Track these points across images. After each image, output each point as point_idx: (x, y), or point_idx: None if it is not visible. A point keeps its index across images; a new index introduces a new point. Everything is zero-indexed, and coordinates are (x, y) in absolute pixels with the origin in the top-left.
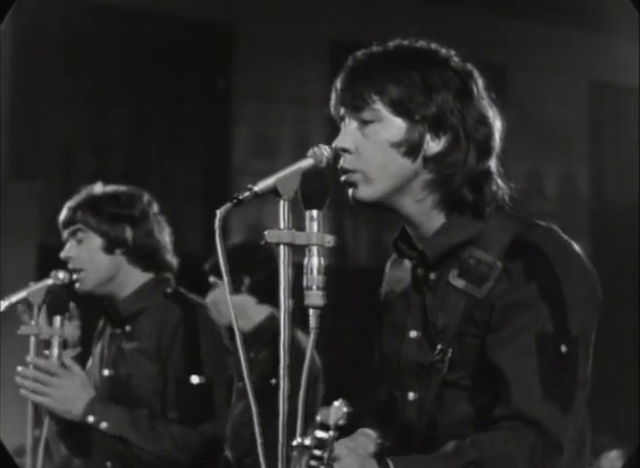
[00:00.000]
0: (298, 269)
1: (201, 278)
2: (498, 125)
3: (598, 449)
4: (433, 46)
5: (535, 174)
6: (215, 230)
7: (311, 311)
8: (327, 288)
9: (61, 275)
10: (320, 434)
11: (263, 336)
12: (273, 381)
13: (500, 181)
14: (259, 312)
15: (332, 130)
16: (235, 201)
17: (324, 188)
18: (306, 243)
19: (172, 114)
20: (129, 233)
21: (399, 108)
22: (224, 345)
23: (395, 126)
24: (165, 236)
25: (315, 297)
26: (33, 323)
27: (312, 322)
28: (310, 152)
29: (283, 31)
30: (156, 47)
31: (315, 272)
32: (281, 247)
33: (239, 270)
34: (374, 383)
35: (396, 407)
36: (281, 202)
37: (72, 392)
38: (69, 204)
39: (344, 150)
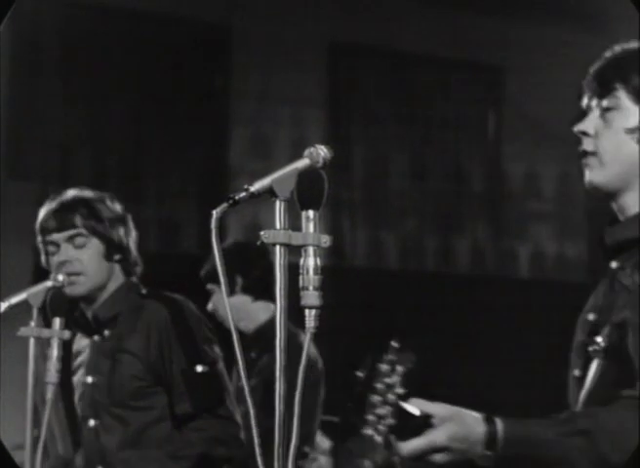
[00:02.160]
0: (294, 269)
1: (197, 277)
2: None
3: None
4: None
5: (532, 174)
6: (211, 230)
7: (307, 311)
8: (324, 288)
9: (61, 277)
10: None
11: (265, 337)
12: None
13: None
14: (261, 312)
15: (330, 131)
16: (231, 201)
17: (320, 188)
18: (303, 243)
19: (169, 115)
20: (124, 238)
21: (639, 97)
22: (209, 335)
23: (633, 113)
24: (133, 238)
25: (312, 298)
26: (33, 324)
27: (309, 322)
28: (307, 152)
29: (281, 32)
30: (154, 47)
31: (311, 272)
32: (277, 247)
33: (231, 271)
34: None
35: None
36: (277, 202)
37: None
38: (53, 207)
39: (583, 133)
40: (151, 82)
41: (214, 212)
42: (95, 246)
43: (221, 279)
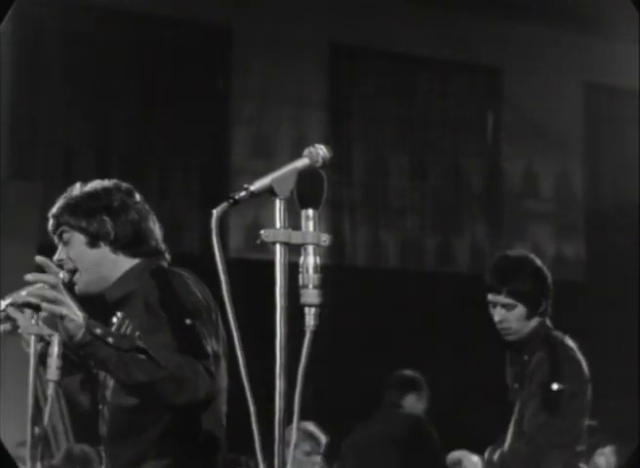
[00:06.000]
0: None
1: (198, 277)
2: None
3: (593, 446)
4: None
5: (530, 174)
6: (211, 230)
7: (307, 309)
8: (324, 286)
9: (62, 275)
10: None
11: (534, 342)
12: (555, 387)
13: None
14: (528, 323)
15: (330, 131)
16: (231, 201)
17: (319, 188)
18: (302, 242)
19: (171, 115)
20: (109, 224)
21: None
22: (197, 309)
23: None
24: (150, 223)
25: (311, 296)
26: (34, 322)
27: (308, 320)
28: (306, 152)
29: (282, 33)
30: (155, 48)
31: (311, 271)
32: (277, 246)
33: (536, 293)
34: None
35: None
36: (277, 201)
37: (74, 305)
38: (53, 210)
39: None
40: (153, 83)
41: (214, 211)
42: (76, 238)
43: (222, 278)
